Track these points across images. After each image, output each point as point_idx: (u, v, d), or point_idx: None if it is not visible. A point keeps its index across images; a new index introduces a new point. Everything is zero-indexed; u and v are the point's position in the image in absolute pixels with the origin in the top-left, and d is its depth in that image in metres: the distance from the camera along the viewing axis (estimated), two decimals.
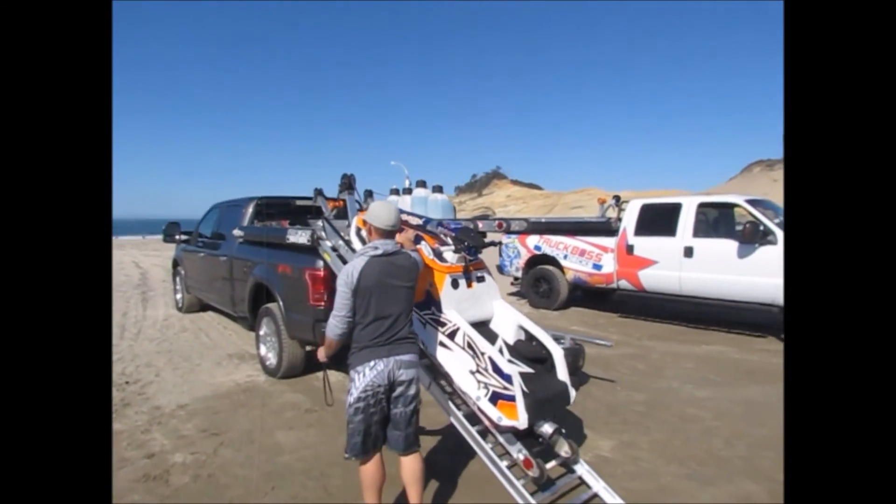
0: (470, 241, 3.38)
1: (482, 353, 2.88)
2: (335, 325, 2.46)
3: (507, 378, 2.74)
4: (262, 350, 5.16)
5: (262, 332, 5.14)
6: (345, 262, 3.91)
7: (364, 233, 3.79)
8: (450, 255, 3.42)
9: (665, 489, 2.93)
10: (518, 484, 2.67)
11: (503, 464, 2.76)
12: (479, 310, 3.42)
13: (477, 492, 2.95)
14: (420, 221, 3.90)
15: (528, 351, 3.27)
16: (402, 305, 2.48)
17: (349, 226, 4.63)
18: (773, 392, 4.51)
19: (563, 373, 3.12)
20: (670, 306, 7.64)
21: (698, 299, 6.73)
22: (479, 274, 3.53)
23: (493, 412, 2.74)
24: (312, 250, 4.26)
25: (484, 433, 2.93)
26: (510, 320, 3.48)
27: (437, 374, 3.19)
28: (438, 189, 5.41)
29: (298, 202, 6.09)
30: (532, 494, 2.63)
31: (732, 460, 3.25)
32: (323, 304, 4.29)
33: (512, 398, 2.70)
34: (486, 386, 2.80)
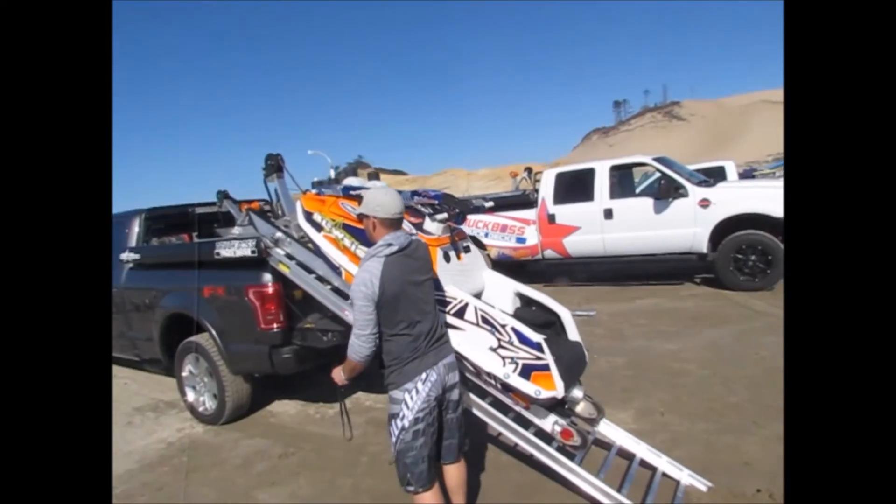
0: (457, 206, 3.09)
1: (502, 326, 2.60)
2: (361, 347, 2.03)
3: (538, 346, 2.50)
4: (191, 395, 4.21)
5: (186, 374, 4.20)
6: (309, 270, 3.25)
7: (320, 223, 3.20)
8: (434, 226, 3.04)
9: (712, 448, 2.86)
10: (580, 470, 2.48)
11: (563, 457, 2.54)
12: (472, 282, 3.14)
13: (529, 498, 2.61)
14: None
15: (532, 317, 3.05)
16: (431, 301, 2.17)
17: (283, 216, 3.96)
18: (726, 333, 4.81)
19: (574, 333, 3.00)
20: (584, 269, 7.94)
21: (622, 258, 7.04)
22: (464, 244, 3.25)
23: (529, 387, 2.47)
24: (255, 263, 3.50)
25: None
26: (504, 288, 3.26)
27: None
28: (375, 175, 4.87)
29: (199, 210, 5.08)
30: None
31: (744, 405, 3.32)
32: (276, 325, 3.56)
33: (546, 367, 2.47)
34: (514, 360, 2.53)
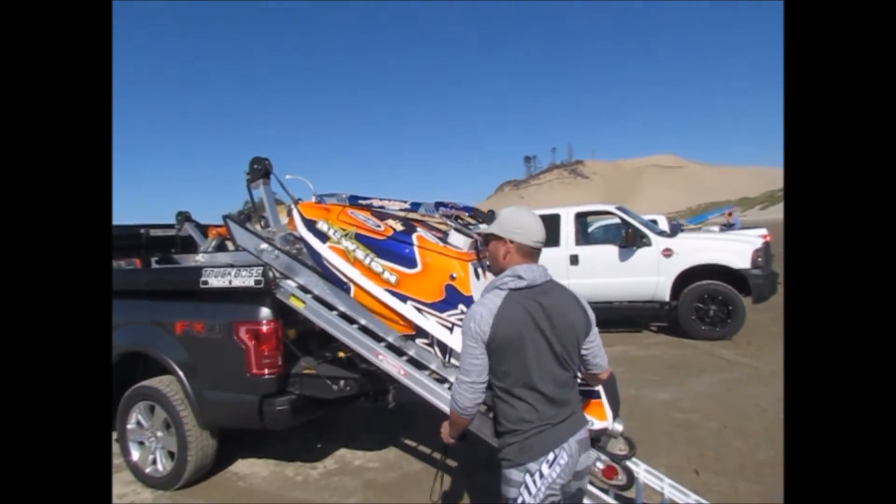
0: (488, 220, 2.83)
1: None
2: (462, 396, 1.64)
3: None
4: (136, 454, 3.41)
5: (131, 426, 3.41)
6: (328, 305, 2.78)
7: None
8: (461, 240, 2.72)
9: None
10: None
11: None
12: None
13: None
14: (406, 205, 3.09)
15: None
16: (572, 360, 1.69)
17: (268, 228, 3.48)
18: (711, 382, 4.88)
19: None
20: None
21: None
22: (486, 263, 3.01)
23: None
24: (247, 295, 2.95)
25: None
26: None
27: None
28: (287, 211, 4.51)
29: (153, 232, 4.34)
30: None
31: (776, 463, 3.23)
32: (271, 371, 2.98)
33: (598, 394, 2.29)
34: None
